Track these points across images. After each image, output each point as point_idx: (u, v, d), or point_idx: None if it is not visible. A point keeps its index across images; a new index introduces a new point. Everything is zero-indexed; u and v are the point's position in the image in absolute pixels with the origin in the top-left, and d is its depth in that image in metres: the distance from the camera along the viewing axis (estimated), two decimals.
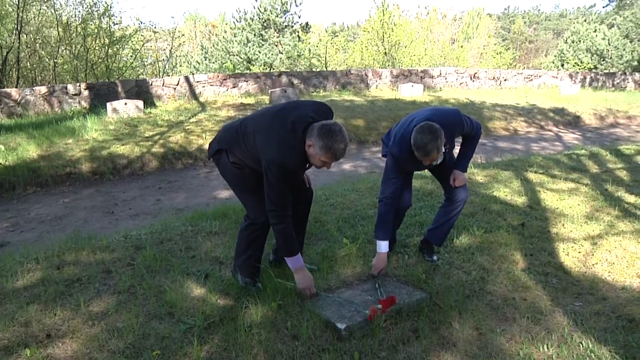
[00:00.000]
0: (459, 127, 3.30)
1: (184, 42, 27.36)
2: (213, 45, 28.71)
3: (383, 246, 3.34)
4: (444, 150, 3.21)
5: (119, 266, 3.69)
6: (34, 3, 15.49)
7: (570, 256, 3.81)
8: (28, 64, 16.13)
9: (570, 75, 22.02)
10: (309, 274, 3.11)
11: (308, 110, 2.93)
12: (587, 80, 22.24)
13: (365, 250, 3.82)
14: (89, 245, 4.09)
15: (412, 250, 3.87)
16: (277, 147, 2.78)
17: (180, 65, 28.11)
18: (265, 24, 26.26)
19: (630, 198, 5.24)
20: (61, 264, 3.72)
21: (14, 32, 14.63)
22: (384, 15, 25.70)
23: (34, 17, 15.73)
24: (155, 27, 19.61)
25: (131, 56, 18.92)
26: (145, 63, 20.82)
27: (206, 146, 9.09)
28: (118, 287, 3.34)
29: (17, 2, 14.53)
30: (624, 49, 30.51)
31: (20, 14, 14.42)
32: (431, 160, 3.07)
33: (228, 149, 3.06)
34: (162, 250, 3.95)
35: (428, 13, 34.61)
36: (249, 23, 26.33)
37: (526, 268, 3.60)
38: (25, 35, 15.17)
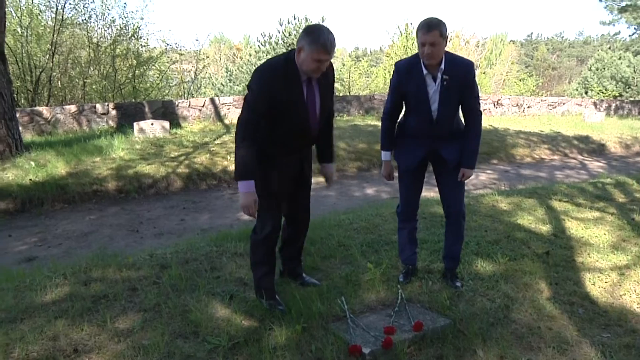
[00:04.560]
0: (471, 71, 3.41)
1: (208, 64, 27.83)
2: (237, 68, 29.20)
3: (387, 155, 3.70)
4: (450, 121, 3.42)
5: (144, 284, 3.74)
6: (68, 26, 15.99)
7: (596, 286, 3.76)
8: (59, 84, 16.56)
9: (595, 103, 21.83)
10: (255, 196, 2.97)
11: None
12: (612, 107, 22.02)
13: (389, 275, 3.81)
14: (115, 263, 4.15)
15: (436, 276, 3.86)
16: (258, 69, 2.93)
17: (205, 87, 28.56)
18: (289, 48, 26.64)
19: None
20: (88, 280, 3.79)
21: (48, 53, 15.09)
22: (407, 41, 25.87)
23: (67, 39, 16.21)
24: (180, 49, 19.96)
25: (157, 77, 19.30)
26: (171, 84, 21.20)
27: (230, 168, 9.21)
28: (144, 305, 3.39)
29: (52, 25, 15.03)
30: None
31: (55, 36, 14.89)
32: (431, 39, 3.13)
33: None
34: (188, 269, 3.99)
35: (451, 39, 34.73)
36: (273, 47, 26.74)
37: (551, 297, 3.56)
38: (57, 56, 15.62)
